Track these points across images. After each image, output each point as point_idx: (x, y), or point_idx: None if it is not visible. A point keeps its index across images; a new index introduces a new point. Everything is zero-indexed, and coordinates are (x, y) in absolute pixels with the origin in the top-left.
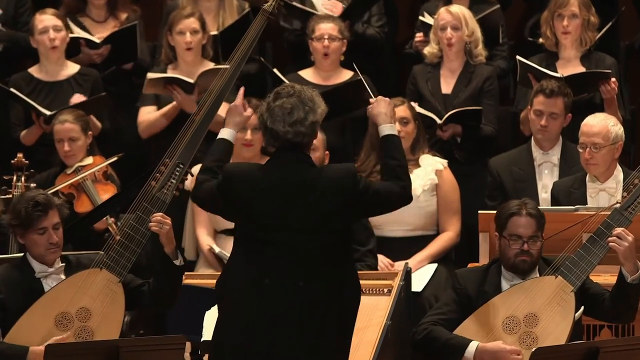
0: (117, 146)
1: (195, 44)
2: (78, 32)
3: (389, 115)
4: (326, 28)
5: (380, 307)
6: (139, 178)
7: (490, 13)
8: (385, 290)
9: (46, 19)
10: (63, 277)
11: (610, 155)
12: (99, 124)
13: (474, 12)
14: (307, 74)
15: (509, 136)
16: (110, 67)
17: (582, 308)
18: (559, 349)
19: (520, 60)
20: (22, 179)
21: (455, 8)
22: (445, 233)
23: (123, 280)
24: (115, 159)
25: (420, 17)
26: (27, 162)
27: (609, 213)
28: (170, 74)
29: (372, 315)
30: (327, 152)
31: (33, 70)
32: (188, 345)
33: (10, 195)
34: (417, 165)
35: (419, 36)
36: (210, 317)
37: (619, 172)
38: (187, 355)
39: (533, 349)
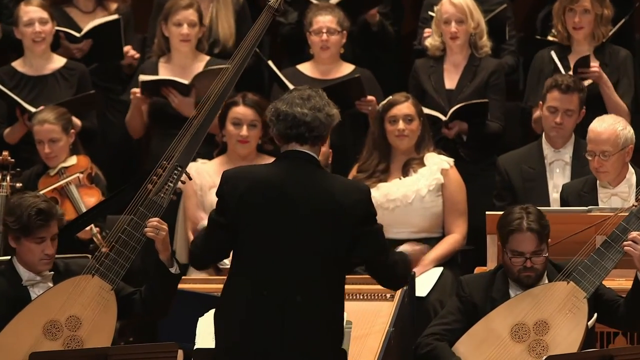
0: (106, 145)
1: (191, 37)
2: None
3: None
4: (324, 20)
5: (383, 313)
6: (130, 183)
7: (499, 12)
8: (388, 295)
9: (31, 11)
10: (51, 285)
11: (620, 161)
12: (78, 122)
13: (479, 3)
14: (305, 68)
15: (518, 133)
16: (93, 64)
17: (596, 315)
18: (571, 358)
19: (553, 57)
20: (7, 178)
21: None
22: (451, 235)
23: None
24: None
25: (430, 13)
26: (12, 160)
27: (625, 215)
28: (162, 72)
29: (375, 321)
30: (330, 149)
31: (17, 64)
32: (180, 353)
33: None
34: (422, 164)
35: (428, 32)
36: (203, 324)
37: (631, 175)
38: None
39: (543, 358)
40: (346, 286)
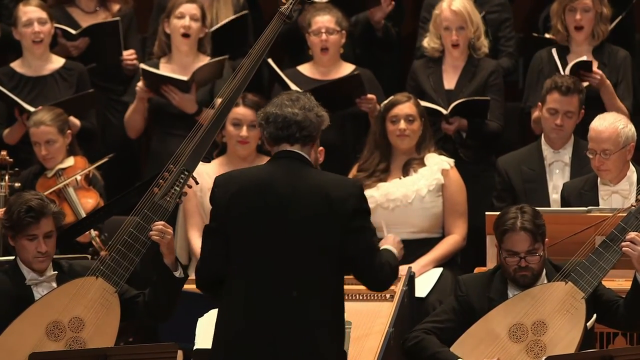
0: (106, 145)
1: (193, 31)
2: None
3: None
4: (323, 21)
5: (383, 314)
6: (134, 187)
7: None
8: (388, 295)
9: (30, 11)
10: (55, 285)
11: (621, 159)
12: (77, 122)
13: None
14: (305, 69)
15: (517, 134)
16: (90, 63)
17: (595, 316)
18: (570, 358)
19: (553, 56)
20: (6, 178)
21: (458, 4)
22: (451, 236)
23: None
24: (104, 160)
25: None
26: (11, 160)
27: (624, 216)
28: (163, 70)
29: (374, 322)
30: (321, 147)
31: (16, 65)
32: (180, 353)
33: None
34: (423, 165)
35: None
36: (203, 324)
37: (632, 173)
38: None
39: (542, 358)
40: (346, 286)
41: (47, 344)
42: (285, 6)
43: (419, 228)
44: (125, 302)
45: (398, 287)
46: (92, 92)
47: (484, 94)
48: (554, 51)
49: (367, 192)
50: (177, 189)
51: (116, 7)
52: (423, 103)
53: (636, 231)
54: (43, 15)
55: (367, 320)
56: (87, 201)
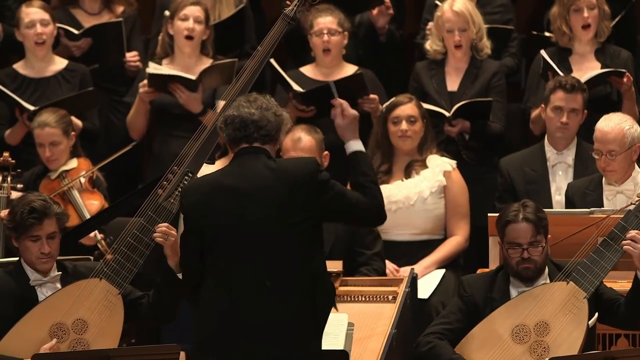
0: (109, 146)
1: (196, 34)
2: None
3: (356, 130)
4: (325, 22)
5: (385, 315)
6: (139, 188)
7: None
8: (390, 297)
9: (33, 12)
10: (59, 286)
11: (627, 160)
12: (79, 123)
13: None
14: (308, 70)
15: (520, 135)
16: (93, 64)
17: (596, 315)
18: (573, 359)
19: (543, 57)
20: (8, 179)
21: (459, 5)
22: (453, 237)
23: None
24: (124, 150)
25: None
26: (13, 161)
27: (623, 215)
28: (167, 69)
29: (376, 323)
30: (326, 152)
31: (18, 66)
32: (182, 355)
33: None
34: (425, 166)
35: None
36: None
37: (637, 174)
38: None
39: (545, 359)
40: (348, 288)
41: None
42: (290, 8)
43: (421, 230)
44: (129, 304)
45: (401, 289)
46: (92, 90)
47: (487, 96)
48: (543, 52)
49: None
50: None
51: (120, 9)
52: (426, 105)
53: (637, 229)
54: (45, 16)
55: (370, 321)
56: (92, 203)
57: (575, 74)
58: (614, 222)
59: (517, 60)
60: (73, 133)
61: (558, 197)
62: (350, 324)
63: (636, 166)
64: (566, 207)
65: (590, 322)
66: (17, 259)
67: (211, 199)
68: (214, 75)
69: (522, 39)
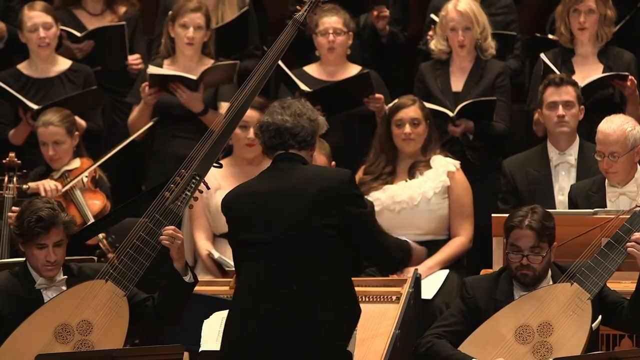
0: (111, 146)
1: (196, 41)
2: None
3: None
4: (330, 22)
5: (389, 316)
6: (146, 191)
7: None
8: (394, 297)
9: (35, 16)
10: (64, 288)
11: (629, 161)
12: (83, 123)
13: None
14: (312, 69)
15: (523, 135)
16: (96, 66)
17: (600, 317)
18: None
19: (543, 60)
20: (14, 179)
21: (463, 5)
22: (457, 238)
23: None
24: (149, 125)
25: (431, 15)
26: (19, 162)
27: (628, 217)
28: (168, 69)
29: (380, 323)
30: (333, 162)
31: (22, 67)
32: (186, 355)
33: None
34: (428, 167)
35: (431, 34)
36: (209, 326)
37: (639, 175)
38: None
39: None
40: None
41: (55, 346)
42: (300, 13)
43: (425, 230)
44: (134, 306)
45: (404, 289)
46: (96, 89)
47: (492, 96)
48: (542, 56)
49: (374, 195)
50: (188, 193)
51: (122, 10)
52: (430, 105)
53: None
54: (48, 19)
55: (373, 322)
56: (94, 203)
57: (577, 76)
58: (617, 224)
59: (520, 62)
60: (77, 133)
61: (561, 198)
62: None
63: (639, 167)
64: (569, 209)
65: (594, 325)
66: (23, 259)
67: (243, 204)
68: (216, 74)
69: (525, 41)
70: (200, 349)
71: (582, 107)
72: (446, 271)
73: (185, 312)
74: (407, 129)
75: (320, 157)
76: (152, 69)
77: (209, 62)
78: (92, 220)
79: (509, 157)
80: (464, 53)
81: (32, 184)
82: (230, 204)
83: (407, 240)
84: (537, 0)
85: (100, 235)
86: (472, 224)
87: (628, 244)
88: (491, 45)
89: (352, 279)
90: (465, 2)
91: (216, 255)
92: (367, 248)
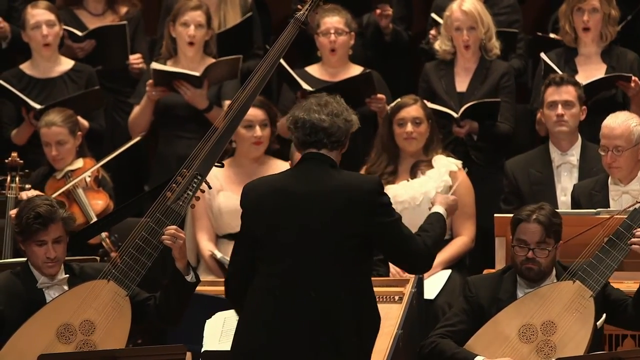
0: (114, 146)
1: (198, 39)
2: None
3: (449, 206)
4: (332, 22)
5: (391, 316)
6: (149, 190)
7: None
8: (396, 297)
9: (38, 14)
10: (66, 288)
11: (633, 157)
12: (86, 123)
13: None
14: (314, 70)
15: (527, 136)
16: (97, 65)
17: (604, 316)
18: None
19: (544, 59)
20: (17, 179)
21: (468, 5)
22: (459, 238)
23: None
24: (132, 143)
25: (432, 15)
26: (22, 162)
27: (629, 214)
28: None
29: (383, 323)
30: None
31: (25, 67)
32: (188, 355)
33: (4, 197)
34: (430, 166)
35: (432, 33)
36: (211, 326)
37: None
38: None
39: (552, 359)
40: None
41: (58, 346)
42: (301, 12)
43: None
44: (136, 306)
45: (407, 289)
46: (99, 89)
47: (496, 96)
48: (543, 55)
49: None
50: (190, 193)
51: (124, 10)
52: (434, 106)
53: None
54: (51, 17)
55: None
56: (97, 202)
57: (580, 75)
58: (619, 222)
59: (523, 62)
60: (79, 133)
61: (563, 198)
62: None
63: None
64: (572, 208)
65: (598, 323)
66: (24, 259)
67: (268, 200)
68: (219, 70)
69: (528, 40)
70: (203, 349)
71: (585, 107)
72: (448, 271)
73: (188, 312)
74: (409, 127)
75: None
76: (156, 65)
77: (211, 62)
78: (94, 219)
79: (512, 158)
80: (469, 54)
81: (22, 194)
82: (252, 196)
83: (436, 211)
84: (540, 0)
85: (103, 234)
86: (475, 224)
87: (632, 239)
88: (496, 45)
89: None
90: (470, 2)
91: (219, 255)
92: (400, 255)
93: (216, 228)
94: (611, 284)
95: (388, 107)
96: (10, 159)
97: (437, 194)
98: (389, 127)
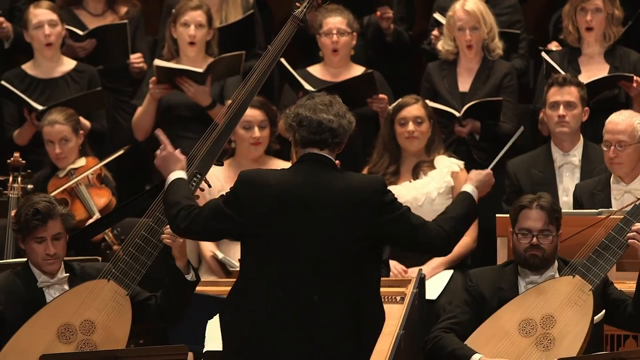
0: (115, 147)
1: (198, 39)
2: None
3: (480, 182)
4: (334, 22)
5: (393, 316)
6: (150, 188)
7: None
8: (398, 297)
9: (41, 13)
10: (67, 287)
11: (635, 155)
12: (87, 123)
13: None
14: (315, 70)
15: (530, 136)
16: (98, 65)
17: (604, 311)
18: None
19: (545, 58)
20: (19, 179)
21: (471, 4)
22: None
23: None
24: (119, 153)
25: (434, 15)
26: (24, 162)
27: (629, 209)
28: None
29: (385, 324)
30: (337, 161)
31: (27, 67)
32: (190, 355)
33: (6, 197)
34: (432, 167)
35: (434, 34)
36: (213, 326)
37: None
38: None
39: (551, 351)
40: None
41: (58, 346)
42: (299, 10)
43: None
44: (137, 305)
45: (409, 289)
46: (100, 90)
47: (498, 96)
48: (544, 54)
49: None
50: None
51: (124, 10)
52: (436, 105)
53: None
54: (54, 17)
55: None
56: (100, 199)
57: (583, 75)
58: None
59: (525, 62)
60: (82, 132)
61: (565, 199)
62: None
63: None
64: (574, 208)
65: (596, 318)
66: (25, 260)
67: (270, 197)
68: (222, 66)
69: (530, 40)
70: (205, 350)
71: (587, 108)
72: (450, 271)
73: (190, 313)
74: (411, 127)
75: None
76: (159, 62)
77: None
78: (97, 214)
79: (513, 158)
80: (471, 54)
81: None
82: (252, 184)
83: (464, 189)
84: (541, 0)
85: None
86: (477, 224)
87: (628, 234)
88: (498, 45)
89: None
90: (473, 2)
91: (220, 255)
92: (414, 245)
93: None
94: (614, 284)
95: (389, 107)
96: (12, 159)
97: (472, 171)
98: (391, 127)
